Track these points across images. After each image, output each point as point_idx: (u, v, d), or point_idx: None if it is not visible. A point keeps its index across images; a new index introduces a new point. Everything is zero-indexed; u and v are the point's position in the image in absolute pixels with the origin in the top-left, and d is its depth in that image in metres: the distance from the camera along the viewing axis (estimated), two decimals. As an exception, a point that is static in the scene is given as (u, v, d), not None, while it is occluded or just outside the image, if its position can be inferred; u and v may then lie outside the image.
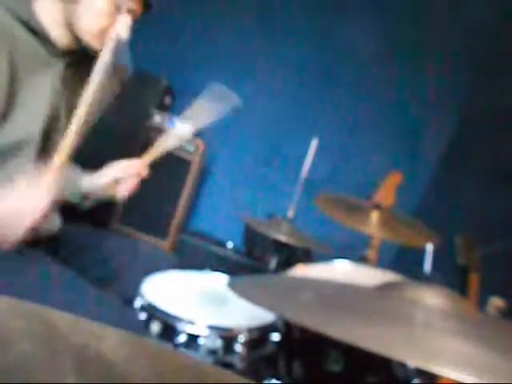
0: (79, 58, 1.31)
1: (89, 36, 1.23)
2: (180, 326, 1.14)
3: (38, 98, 1.23)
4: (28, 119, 1.22)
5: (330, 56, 2.95)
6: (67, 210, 1.47)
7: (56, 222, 1.40)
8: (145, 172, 1.46)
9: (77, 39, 1.24)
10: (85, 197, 1.46)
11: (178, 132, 1.50)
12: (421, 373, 1.02)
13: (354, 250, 1.92)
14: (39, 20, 1.19)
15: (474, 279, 1.54)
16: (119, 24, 1.23)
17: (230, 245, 2.65)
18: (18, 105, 1.19)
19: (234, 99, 1.43)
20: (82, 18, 1.20)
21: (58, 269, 1.26)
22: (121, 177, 1.43)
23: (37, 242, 1.30)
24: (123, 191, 1.46)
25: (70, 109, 1.34)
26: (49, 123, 1.27)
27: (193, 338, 1.13)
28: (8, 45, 1.14)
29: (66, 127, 1.33)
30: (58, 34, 1.23)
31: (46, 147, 1.29)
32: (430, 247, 1.43)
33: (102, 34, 1.23)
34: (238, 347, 1.14)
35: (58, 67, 1.26)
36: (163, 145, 1.49)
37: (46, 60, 1.23)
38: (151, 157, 1.48)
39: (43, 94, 1.24)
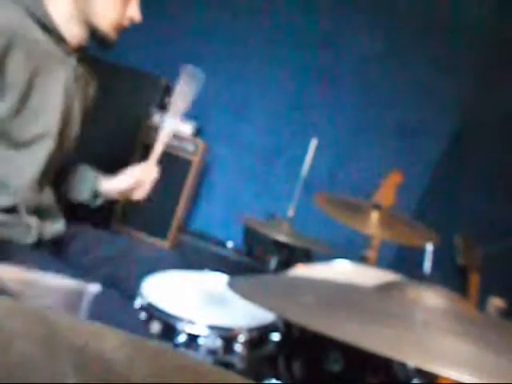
0: (85, 56, 1.34)
1: (105, 25, 1.27)
2: (180, 326, 1.14)
3: (53, 95, 1.27)
4: (45, 115, 1.25)
5: (330, 56, 2.95)
6: (68, 210, 1.48)
7: (60, 224, 1.41)
8: (156, 174, 1.50)
9: (92, 32, 1.27)
10: (98, 196, 1.49)
11: (169, 126, 1.54)
12: (421, 373, 1.02)
13: (354, 250, 1.92)
14: (51, 18, 1.22)
15: (474, 279, 1.54)
16: (131, 8, 1.27)
17: (229, 245, 2.65)
18: (35, 101, 1.21)
19: (202, 77, 1.48)
20: (96, 8, 1.24)
21: (61, 269, 1.27)
22: (138, 182, 1.47)
23: (41, 244, 1.31)
24: (139, 195, 1.49)
25: (82, 102, 1.38)
26: (64, 117, 1.31)
27: (193, 338, 1.13)
28: (25, 44, 1.15)
29: (78, 119, 1.38)
30: (72, 31, 1.26)
31: (62, 139, 1.32)
32: (429, 247, 1.43)
33: (117, 21, 1.28)
34: (238, 347, 1.14)
35: (70, 64, 1.29)
36: (161, 142, 1.52)
37: (59, 58, 1.26)
38: (155, 157, 1.51)
39: (58, 91, 1.28)
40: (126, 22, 1.30)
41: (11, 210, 1.23)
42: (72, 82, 1.31)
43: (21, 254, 1.22)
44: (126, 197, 1.50)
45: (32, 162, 1.26)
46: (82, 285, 0.70)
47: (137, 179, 1.47)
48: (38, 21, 1.20)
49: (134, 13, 1.29)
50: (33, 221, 1.27)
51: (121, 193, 1.49)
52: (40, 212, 1.30)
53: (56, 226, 1.38)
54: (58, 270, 1.21)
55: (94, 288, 0.70)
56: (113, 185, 1.48)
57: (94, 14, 1.25)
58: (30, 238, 1.27)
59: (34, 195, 1.28)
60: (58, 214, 1.41)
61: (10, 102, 1.17)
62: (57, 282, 0.69)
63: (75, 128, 1.39)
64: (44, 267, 1.20)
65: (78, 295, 0.69)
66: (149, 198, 1.53)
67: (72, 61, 1.30)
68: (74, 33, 1.27)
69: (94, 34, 1.28)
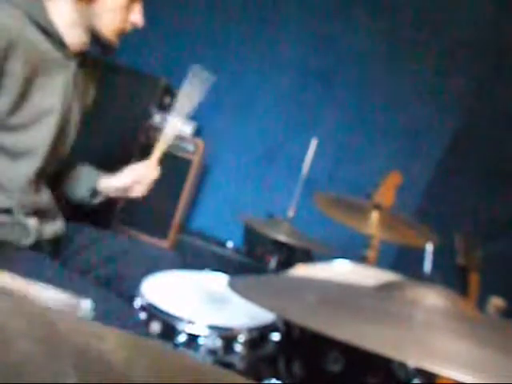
0: (86, 59, 1.35)
1: (109, 32, 1.28)
2: (180, 326, 1.14)
3: (52, 98, 1.26)
4: (42, 120, 1.24)
5: (330, 56, 2.95)
6: (68, 211, 1.48)
7: (60, 225, 1.41)
8: (157, 173, 1.49)
9: (95, 38, 1.28)
10: (97, 194, 1.48)
11: (172, 126, 1.53)
12: (421, 373, 1.02)
13: (354, 250, 1.91)
14: (52, 22, 1.22)
15: (474, 279, 1.54)
16: (134, 13, 1.29)
17: (229, 245, 2.65)
18: (33, 103, 1.21)
19: (211, 78, 1.47)
20: (100, 16, 1.25)
21: (59, 269, 1.27)
22: (137, 180, 1.46)
23: (40, 244, 1.31)
24: (137, 193, 1.48)
25: (81, 107, 1.38)
26: (62, 121, 1.31)
27: (193, 338, 1.13)
28: (24, 48, 1.15)
29: (76, 123, 1.37)
30: (74, 36, 1.26)
31: (59, 143, 1.31)
32: (429, 247, 1.43)
33: (121, 27, 1.29)
34: (238, 347, 1.14)
35: (70, 68, 1.29)
36: (163, 142, 1.51)
37: (59, 62, 1.26)
38: (157, 156, 1.50)
39: (57, 95, 1.27)
40: (128, 27, 1.30)
41: (8, 211, 1.23)
42: (71, 86, 1.31)
43: (17, 256, 1.22)
44: (123, 194, 1.49)
45: (27, 163, 1.26)
46: (75, 301, 0.70)
47: (135, 177, 1.46)
48: (38, 25, 1.20)
49: (136, 18, 1.30)
50: (31, 222, 1.27)
51: (118, 190, 1.48)
52: (38, 213, 1.30)
53: (55, 227, 1.38)
54: (54, 274, 1.21)
55: (86, 305, 0.71)
56: (111, 183, 1.47)
57: (98, 21, 1.25)
58: (28, 240, 1.27)
59: (31, 196, 1.28)
60: (57, 214, 1.41)
61: (8, 103, 1.17)
62: (49, 295, 0.69)
63: (72, 132, 1.38)
64: (40, 270, 1.20)
65: (71, 309, 0.69)
66: (146, 198, 1.51)
67: (72, 65, 1.30)
68: (75, 38, 1.27)
69: (96, 40, 1.29)
